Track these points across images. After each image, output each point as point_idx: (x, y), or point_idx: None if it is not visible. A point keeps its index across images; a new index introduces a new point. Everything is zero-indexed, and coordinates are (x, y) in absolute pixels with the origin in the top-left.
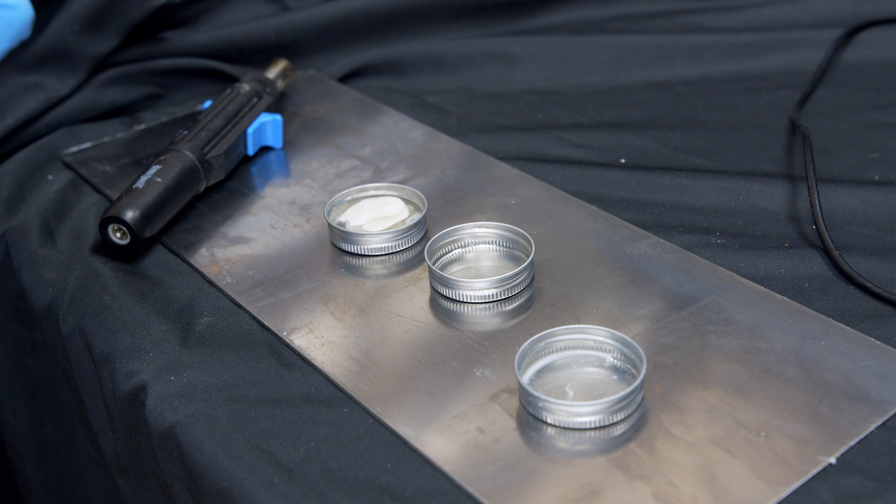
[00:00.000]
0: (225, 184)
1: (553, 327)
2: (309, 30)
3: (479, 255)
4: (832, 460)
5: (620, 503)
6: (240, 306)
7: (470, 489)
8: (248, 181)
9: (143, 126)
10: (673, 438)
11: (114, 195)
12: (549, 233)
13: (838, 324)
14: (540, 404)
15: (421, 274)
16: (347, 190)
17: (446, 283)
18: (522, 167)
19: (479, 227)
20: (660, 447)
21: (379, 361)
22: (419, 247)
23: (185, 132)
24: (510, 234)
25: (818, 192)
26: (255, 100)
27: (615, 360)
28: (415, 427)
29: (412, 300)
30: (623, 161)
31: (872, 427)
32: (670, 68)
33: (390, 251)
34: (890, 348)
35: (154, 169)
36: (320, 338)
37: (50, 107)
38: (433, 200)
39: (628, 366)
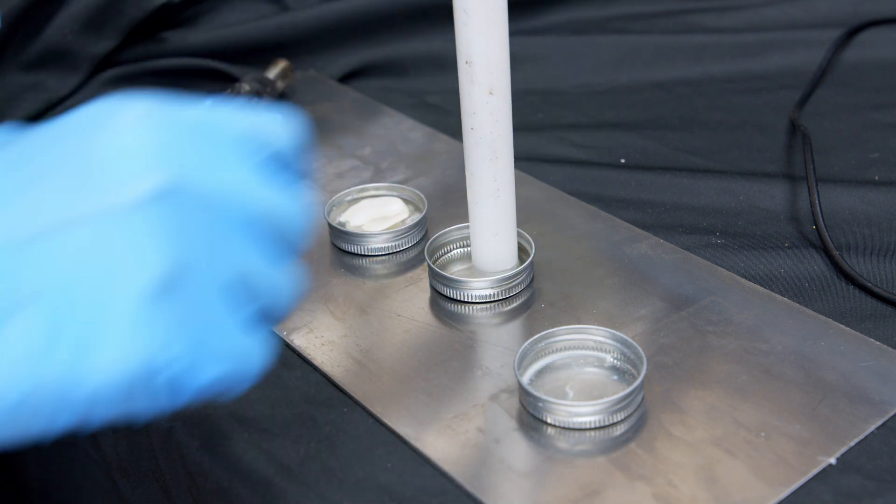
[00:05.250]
0: None
1: (553, 327)
2: (309, 30)
3: None
4: (832, 461)
5: (620, 503)
6: None
7: (470, 489)
8: None
9: None
10: (673, 438)
11: None
12: (549, 233)
13: (838, 324)
14: (540, 404)
15: (421, 274)
16: (347, 190)
17: (446, 283)
18: (522, 167)
19: None
20: (660, 447)
21: (379, 361)
22: (419, 247)
23: None
24: None
25: (818, 192)
26: (255, 100)
27: (615, 361)
28: (415, 427)
29: (412, 300)
30: (623, 161)
31: (872, 427)
32: (670, 68)
33: (390, 251)
34: (890, 349)
35: None
36: (320, 338)
37: (50, 107)
38: (433, 200)
39: (628, 366)
